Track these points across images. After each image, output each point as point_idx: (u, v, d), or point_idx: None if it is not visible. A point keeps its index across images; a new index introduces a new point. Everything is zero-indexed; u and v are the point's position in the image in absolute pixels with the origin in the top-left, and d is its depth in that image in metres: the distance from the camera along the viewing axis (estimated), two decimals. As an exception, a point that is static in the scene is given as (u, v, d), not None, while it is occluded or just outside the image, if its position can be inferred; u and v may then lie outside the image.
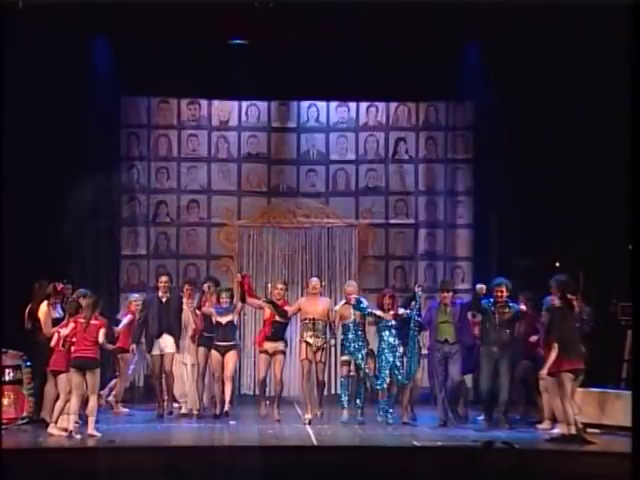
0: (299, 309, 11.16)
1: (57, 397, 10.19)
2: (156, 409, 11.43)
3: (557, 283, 10.38)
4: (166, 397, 11.45)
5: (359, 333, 10.87)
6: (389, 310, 10.80)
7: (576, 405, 10.10)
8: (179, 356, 11.54)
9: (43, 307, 10.77)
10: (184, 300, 11.55)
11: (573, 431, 9.91)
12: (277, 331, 11.02)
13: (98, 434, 9.85)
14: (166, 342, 11.39)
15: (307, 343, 10.91)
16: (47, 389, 10.50)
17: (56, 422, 10.00)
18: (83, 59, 13.08)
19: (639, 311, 8.85)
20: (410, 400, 10.93)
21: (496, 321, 10.68)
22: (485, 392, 10.72)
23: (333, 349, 12.28)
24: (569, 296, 10.31)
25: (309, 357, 10.92)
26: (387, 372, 10.66)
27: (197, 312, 11.41)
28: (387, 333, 10.73)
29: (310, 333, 10.91)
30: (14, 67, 11.97)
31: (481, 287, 10.81)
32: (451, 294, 10.95)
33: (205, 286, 11.58)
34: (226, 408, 11.04)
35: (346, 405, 10.93)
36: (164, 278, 11.65)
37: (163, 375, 11.45)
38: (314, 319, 10.92)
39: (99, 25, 12.51)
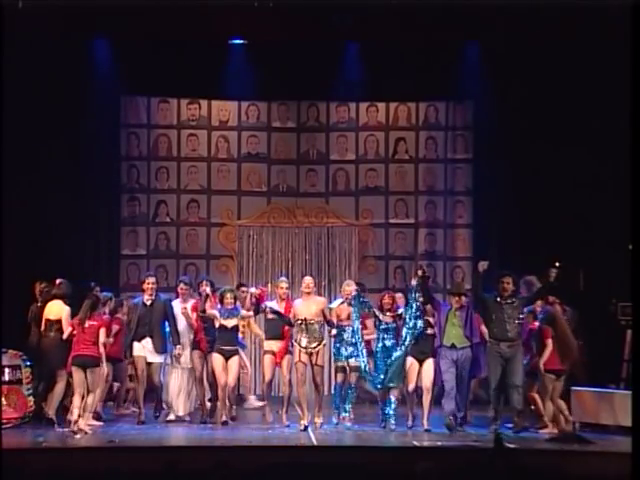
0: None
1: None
2: (136, 416, 10.93)
3: (526, 284, 10.36)
4: (153, 404, 10.96)
5: (356, 335, 10.44)
6: (388, 311, 10.52)
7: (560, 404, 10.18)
8: (173, 361, 11.09)
9: (62, 306, 10.71)
10: (178, 301, 11.12)
11: (564, 429, 9.96)
12: (278, 328, 10.60)
13: (89, 431, 9.99)
14: (149, 347, 10.87)
15: (300, 346, 10.46)
16: (60, 387, 10.55)
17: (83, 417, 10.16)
18: (83, 59, 13.10)
19: (639, 311, 8.85)
20: (417, 404, 10.58)
21: (504, 314, 10.27)
22: (493, 393, 10.32)
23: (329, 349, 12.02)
24: (550, 298, 10.30)
25: (303, 360, 10.48)
26: (381, 375, 10.33)
27: (192, 314, 10.96)
28: (384, 335, 10.42)
29: (303, 335, 10.44)
30: (14, 67, 11.99)
31: (483, 263, 10.32)
32: (463, 298, 10.53)
33: (207, 289, 10.85)
34: (225, 417, 10.58)
35: (339, 411, 10.65)
36: (151, 279, 11.14)
37: (147, 382, 10.91)
38: (306, 320, 10.43)
39: (99, 25, 12.51)
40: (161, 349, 10.92)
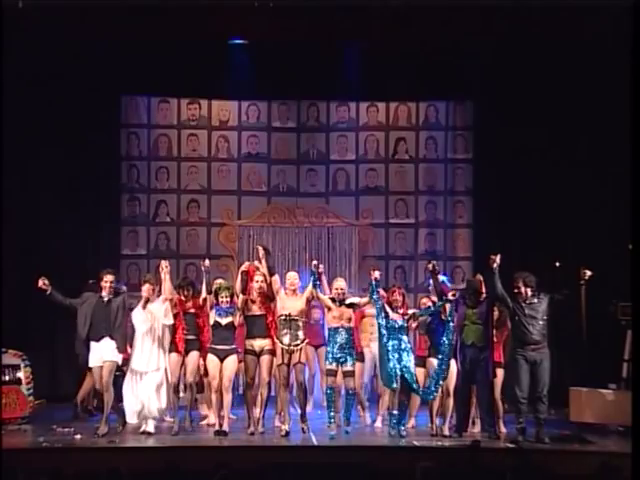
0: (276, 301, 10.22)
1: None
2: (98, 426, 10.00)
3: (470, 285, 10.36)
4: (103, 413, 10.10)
5: (349, 336, 10.15)
6: (398, 308, 10.11)
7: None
8: (139, 363, 10.14)
9: None
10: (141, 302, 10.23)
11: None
12: (259, 326, 10.15)
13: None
14: (108, 347, 10.04)
15: (282, 343, 10.06)
16: (91, 383, 10.72)
17: None
18: (83, 59, 13.09)
19: (639, 311, 8.85)
20: (439, 410, 10.23)
21: (525, 316, 9.84)
22: (519, 404, 9.84)
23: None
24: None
25: (285, 361, 10.08)
26: (395, 378, 9.81)
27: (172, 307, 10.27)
28: (394, 334, 9.91)
29: (285, 331, 10.05)
30: (14, 67, 12.00)
31: (494, 258, 9.87)
32: (481, 295, 10.21)
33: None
34: (224, 427, 10.09)
35: (333, 421, 10.17)
36: (109, 277, 10.21)
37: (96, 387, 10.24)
38: (290, 315, 10.07)
39: (99, 25, 12.50)
40: (123, 348, 10.12)
